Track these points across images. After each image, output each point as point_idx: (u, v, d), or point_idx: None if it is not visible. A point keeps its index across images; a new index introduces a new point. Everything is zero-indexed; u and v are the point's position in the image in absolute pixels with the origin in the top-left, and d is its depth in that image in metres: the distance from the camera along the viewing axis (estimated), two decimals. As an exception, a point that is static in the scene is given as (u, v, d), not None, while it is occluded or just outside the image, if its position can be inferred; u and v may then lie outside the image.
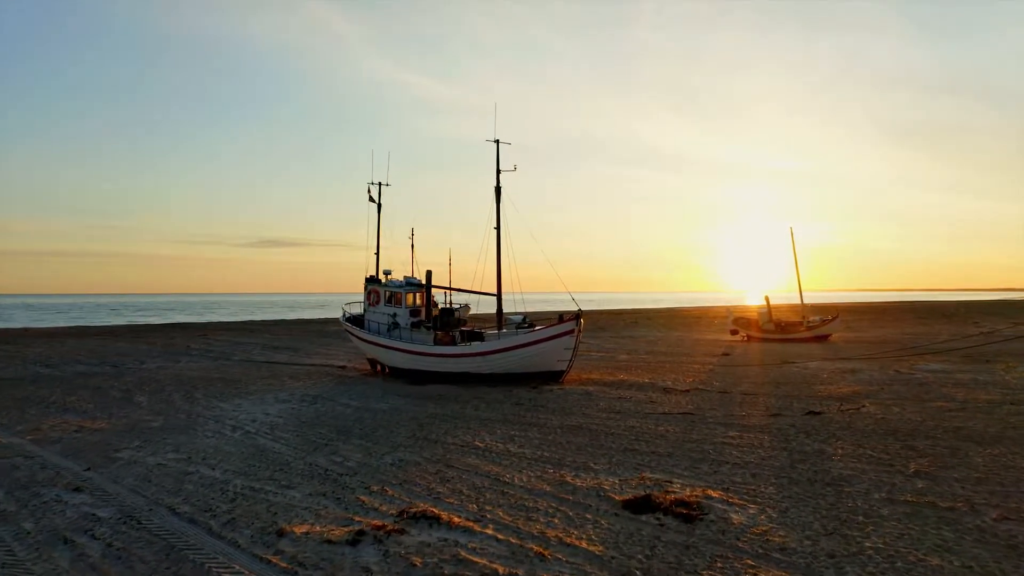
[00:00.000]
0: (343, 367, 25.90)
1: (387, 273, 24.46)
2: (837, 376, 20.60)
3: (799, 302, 38.57)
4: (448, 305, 60.04)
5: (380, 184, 26.10)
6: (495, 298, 22.72)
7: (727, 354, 29.29)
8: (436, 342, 21.42)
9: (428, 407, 16.52)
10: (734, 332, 39.64)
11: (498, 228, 22.06)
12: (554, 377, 20.11)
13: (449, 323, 22.17)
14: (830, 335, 36.80)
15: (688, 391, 18.12)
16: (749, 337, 38.80)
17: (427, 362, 21.38)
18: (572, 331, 19.60)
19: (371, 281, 24.42)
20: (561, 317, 20.09)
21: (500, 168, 22.09)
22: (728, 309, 43.30)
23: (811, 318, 37.35)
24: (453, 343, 21.34)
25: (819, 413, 14.19)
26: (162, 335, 46.52)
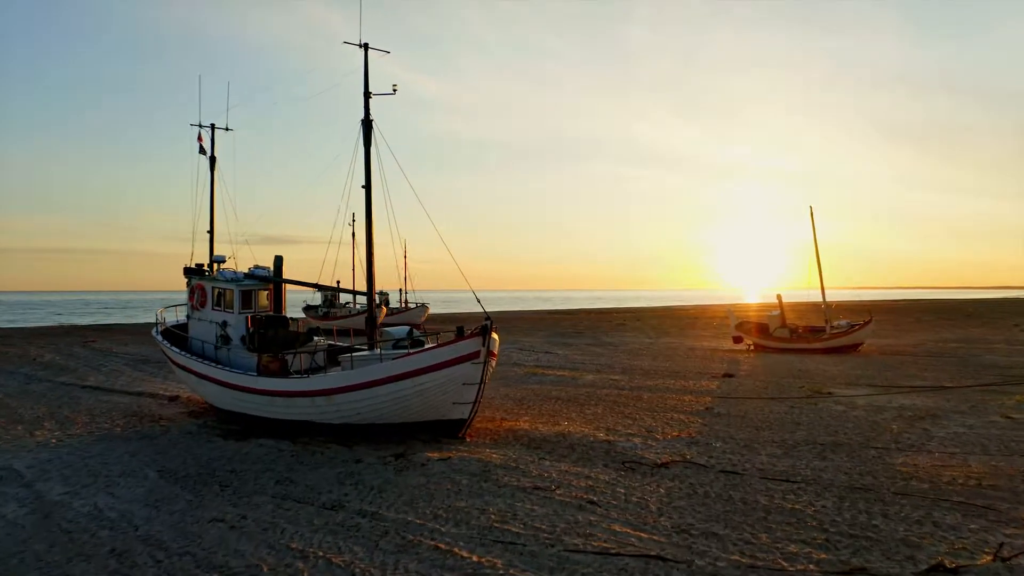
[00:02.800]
0: (175, 398, 17.88)
1: (219, 260, 16.36)
2: (914, 428, 12.65)
3: (820, 300, 30.62)
4: (406, 305, 51.84)
5: (213, 128, 17.81)
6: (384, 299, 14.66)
7: (729, 375, 21.30)
8: (260, 370, 13.30)
9: (163, 510, 8.59)
10: (737, 340, 31.70)
11: (368, 187, 13.88)
12: (450, 430, 12.15)
13: (275, 339, 14.05)
14: (861, 344, 28.87)
15: (667, 465, 10.16)
16: (756, 346, 30.89)
17: (249, 402, 13.35)
18: (475, 354, 11.62)
19: (193, 273, 16.29)
20: (460, 331, 12.13)
21: (369, 90, 13.88)
22: (729, 311, 35.32)
23: (837, 322, 29.41)
24: (285, 371, 13.21)
25: (956, 572, 6.20)
26: (44, 340, 38.43)
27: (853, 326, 28.98)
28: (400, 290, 52.47)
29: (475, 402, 11.99)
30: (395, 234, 14.91)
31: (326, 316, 42.45)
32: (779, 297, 31.57)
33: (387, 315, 49.55)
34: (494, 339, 12.21)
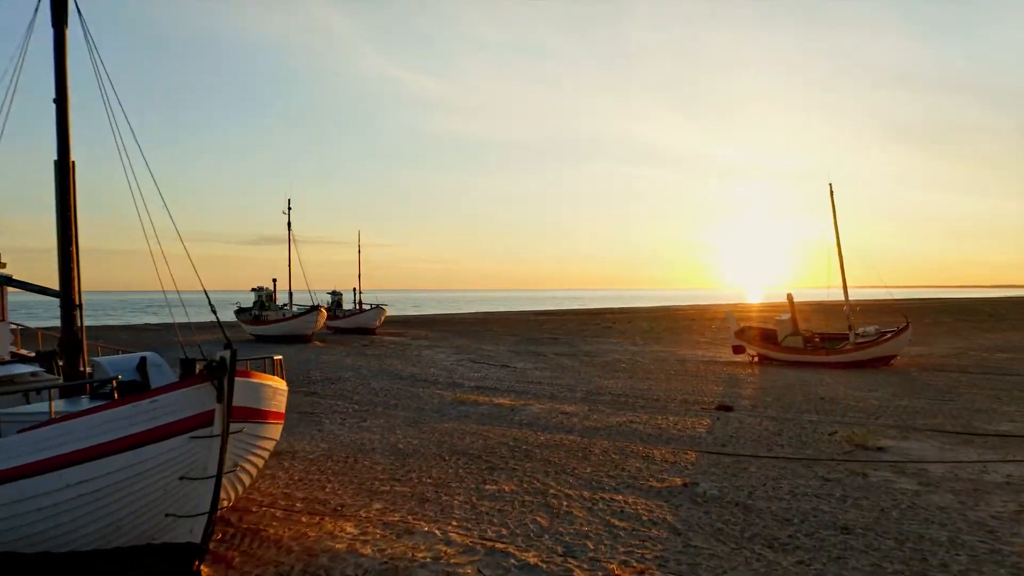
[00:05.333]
0: None
1: None
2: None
3: (840, 301, 24.68)
4: (358, 305, 46.12)
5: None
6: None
7: (726, 408, 15.31)
8: None
9: None
10: (738, 349, 25.80)
11: (62, 100, 7.65)
12: (179, 559, 6.21)
13: None
14: (895, 357, 22.92)
15: None
16: (760, 358, 24.98)
17: None
18: (200, 418, 5.70)
19: None
20: (188, 367, 6.24)
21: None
22: (729, 313, 29.17)
23: (863, 328, 23.46)
24: None
25: None
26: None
27: (884, 333, 23.03)
28: (354, 290, 46.54)
29: (211, 511, 6.03)
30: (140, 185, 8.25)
31: (257, 320, 36.52)
32: (789, 297, 25.61)
33: (330, 319, 43.68)
34: (257, 387, 6.28)
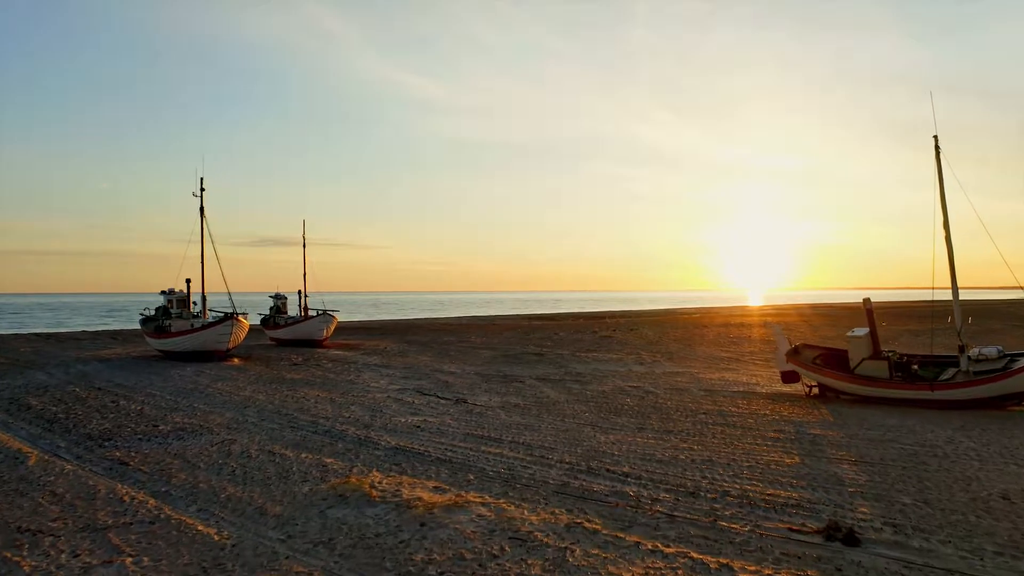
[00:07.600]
0: None
1: None
2: None
3: (950, 299, 17.16)
4: (303, 312, 38.81)
5: None
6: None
7: (841, 534, 7.77)
8: None
9: None
10: (789, 377, 18.37)
11: None
12: None
13: None
14: (1032, 393, 15.38)
15: None
16: (823, 389, 17.52)
17: None
18: None
19: None
20: None
21: None
22: (776, 329, 20.49)
23: (980, 349, 15.90)
24: None
25: None
26: None
27: (1012, 356, 15.52)
28: (299, 292, 39.05)
29: None
30: None
31: (161, 331, 28.95)
32: (867, 303, 18.02)
33: (269, 328, 36.30)
34: None
